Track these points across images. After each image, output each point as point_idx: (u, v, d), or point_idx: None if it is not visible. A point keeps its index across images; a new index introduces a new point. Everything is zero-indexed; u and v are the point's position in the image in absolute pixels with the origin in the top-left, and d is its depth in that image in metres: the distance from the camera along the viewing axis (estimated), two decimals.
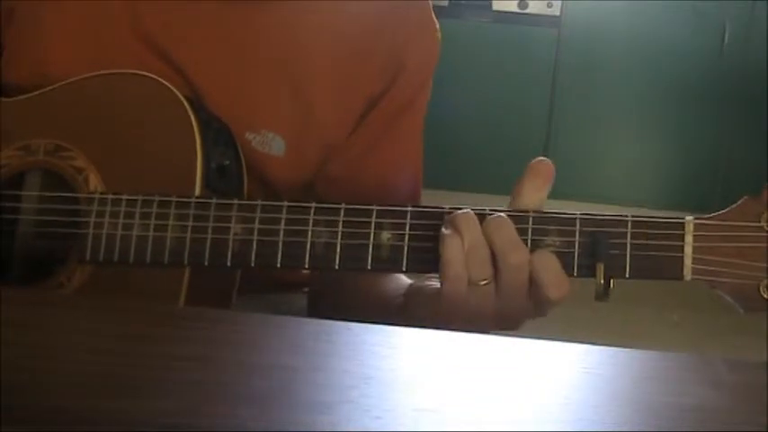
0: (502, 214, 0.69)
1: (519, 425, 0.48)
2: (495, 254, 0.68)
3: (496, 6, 3.62)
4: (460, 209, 0.70)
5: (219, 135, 0.80)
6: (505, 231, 0.68)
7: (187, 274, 0.76)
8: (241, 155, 0.83)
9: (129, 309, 0.62)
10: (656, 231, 0.68)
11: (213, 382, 0.50)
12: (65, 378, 0.50)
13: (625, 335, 2.65)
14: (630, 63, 3.65)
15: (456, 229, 0.68)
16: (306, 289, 1.01)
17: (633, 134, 3.75)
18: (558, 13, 3.62)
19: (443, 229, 0.69)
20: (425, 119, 0.97)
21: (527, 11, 3.62)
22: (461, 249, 0.68)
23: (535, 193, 0.71)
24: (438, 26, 0.94)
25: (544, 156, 0.72)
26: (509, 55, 3.66)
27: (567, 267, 0.69)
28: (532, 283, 0.68)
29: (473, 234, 0.68)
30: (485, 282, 0.68)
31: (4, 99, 0.84)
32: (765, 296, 0.67)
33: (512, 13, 3.62)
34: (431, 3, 0.92)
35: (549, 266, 0.68)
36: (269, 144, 0.86)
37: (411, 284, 0.81)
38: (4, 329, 0.55)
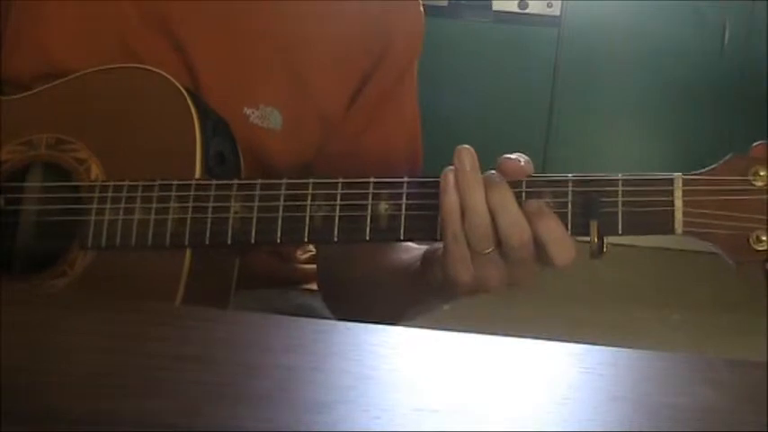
0: (501, 179, 0.70)
1: (519, 425, 0.48)
2: (497, 229, 0.69)
3: (496, 6, 3.62)
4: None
5: (217, 126, 0.81)
6: (507, 208, 0.69)
7: (187, 261, 0.76)
8: (238, 147, 0.83)
9: (129, 309, 0.62)
10: (646, 188, 0.70)
11: (213, 382, 0.50)
12: (65, 378, 0.50)
13: (625, 335, 2.65)
14: (630, 63, 3.65)
15: (454, 189, 0.70)
16: (303, 286, 1.02)
17: (633, 134, 3.75)
18: (558, 13, 3.62)
19: (443, 184, 0.70)
20: (425, 118, 0.98)
21: (527, 11, 3.62)
22: (458, 208, 0.69)
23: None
24: (422, 6, 0.96)
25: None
26: (509, 55, 3.65)
27: None
28: (538, 246, 0.69)
29: (473, 199, 0.69)
30: (489, 251, 0.70)
31: (4, 98, 0.84)
32: (756, 247, 0.68)
33: (512, 13, 3.62)
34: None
35: (553, 234, 0.69)
36: (267, 118, 0.88)
37: (426, 249, 0.81)
38: (4, 329, 0.55)
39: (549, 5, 3.60)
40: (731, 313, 2.80)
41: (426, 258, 0.78)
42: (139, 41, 0.86)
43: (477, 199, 0.69)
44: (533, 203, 0.70)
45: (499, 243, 0.70)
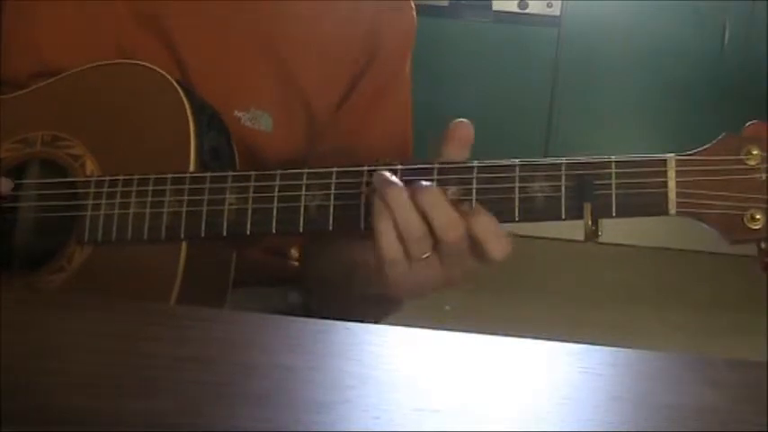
0: (429, 184, 0.69)
1: (519, 425, 0.48)
2: (432, 230, 0.69)
3: (496, 6, 3.62)
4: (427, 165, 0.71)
5: (212, 120, 0.82)
6: (440, 208, 0.69)
7: (183, 254, 0.77)
8: (233, 141, 0.84)
9: (128, 309, 0.62)
10: (639, 170, 0.70)
11: (213, 382, 0.50)
12: (65, 378, 0.50)
13: (625, 335, 2.65)
14: (630, 63, 3.64)
15: (385, 204, 0.69)
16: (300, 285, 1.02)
17: (633, 134, 3.75)
18: (558, 13, 3.61)
19: (374, 210, 0.69)
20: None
21: (527, 11, 3.61)
22: (391, 222, 0.69)
23: (455, 157, 0.72)
24: (413, 4, 0.96)
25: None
26: (509, 55, 3.65)
27: (556, 211, 0.70)
28: (474, 243, 0.69)
29: (403, 210, 0.69)
30: (426, 255, 0.69)
31: (1, 96, 0.85)
32: (751, 226, 0.68)
33: (512, 13, 3.62)
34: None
35: (487, 229, 0.69)
36: (257, 120, 0.88)
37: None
38: (5, 329, 0.55)
39: (549, 5, 3.60)
40: (731, 313, 2.80)
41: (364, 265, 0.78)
42: (132, 41, 0.86)
43: (408, 209, 0.68)
44: (466, 205, 0.70)
45: (436, 244, 0.69)
